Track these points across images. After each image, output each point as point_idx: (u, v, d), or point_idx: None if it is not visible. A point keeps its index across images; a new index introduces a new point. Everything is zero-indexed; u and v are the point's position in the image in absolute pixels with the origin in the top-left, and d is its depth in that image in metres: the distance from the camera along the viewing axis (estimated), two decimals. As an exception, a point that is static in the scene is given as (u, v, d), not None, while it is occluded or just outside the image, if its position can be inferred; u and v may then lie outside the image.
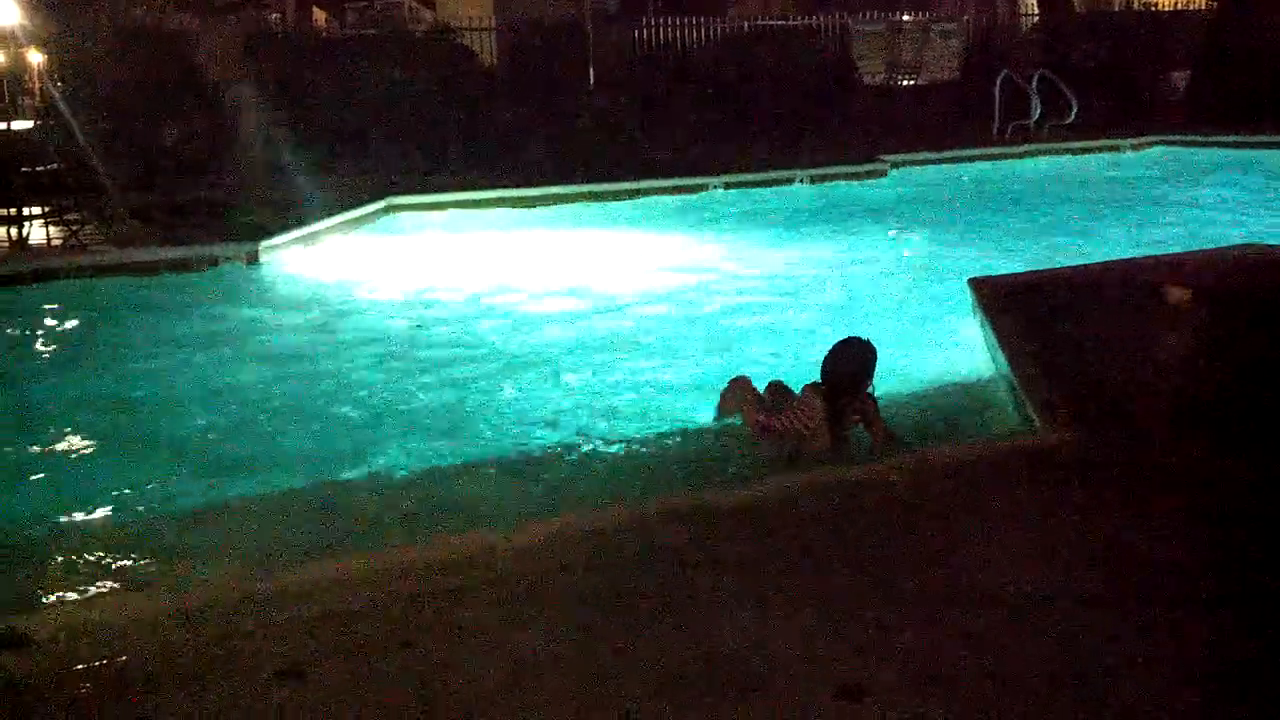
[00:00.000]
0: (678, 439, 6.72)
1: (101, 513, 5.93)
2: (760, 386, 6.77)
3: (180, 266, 11.78)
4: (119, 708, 3.50)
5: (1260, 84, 22.16)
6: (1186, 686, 3.51)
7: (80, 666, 3.70)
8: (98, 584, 4.91)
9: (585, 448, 6.70)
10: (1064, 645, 3.72)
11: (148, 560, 5.21)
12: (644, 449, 6.64)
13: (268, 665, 3.67)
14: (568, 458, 6.55)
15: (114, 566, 5.10)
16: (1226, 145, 20.08)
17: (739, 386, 6.71)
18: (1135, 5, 31.55)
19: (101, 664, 3.72)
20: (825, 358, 6.30)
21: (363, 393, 7.98)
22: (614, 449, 6.67)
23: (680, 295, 10.80)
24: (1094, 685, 3.50)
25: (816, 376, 6.30)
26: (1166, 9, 28.18)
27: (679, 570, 4.30)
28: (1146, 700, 3.43)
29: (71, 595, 4.74)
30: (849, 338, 6.40)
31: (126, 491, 6.19)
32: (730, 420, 6.77)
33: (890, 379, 7.41)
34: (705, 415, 6.97)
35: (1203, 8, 28.01)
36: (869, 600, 4.04)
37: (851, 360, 6.26)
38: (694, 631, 3.84)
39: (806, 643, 3.76)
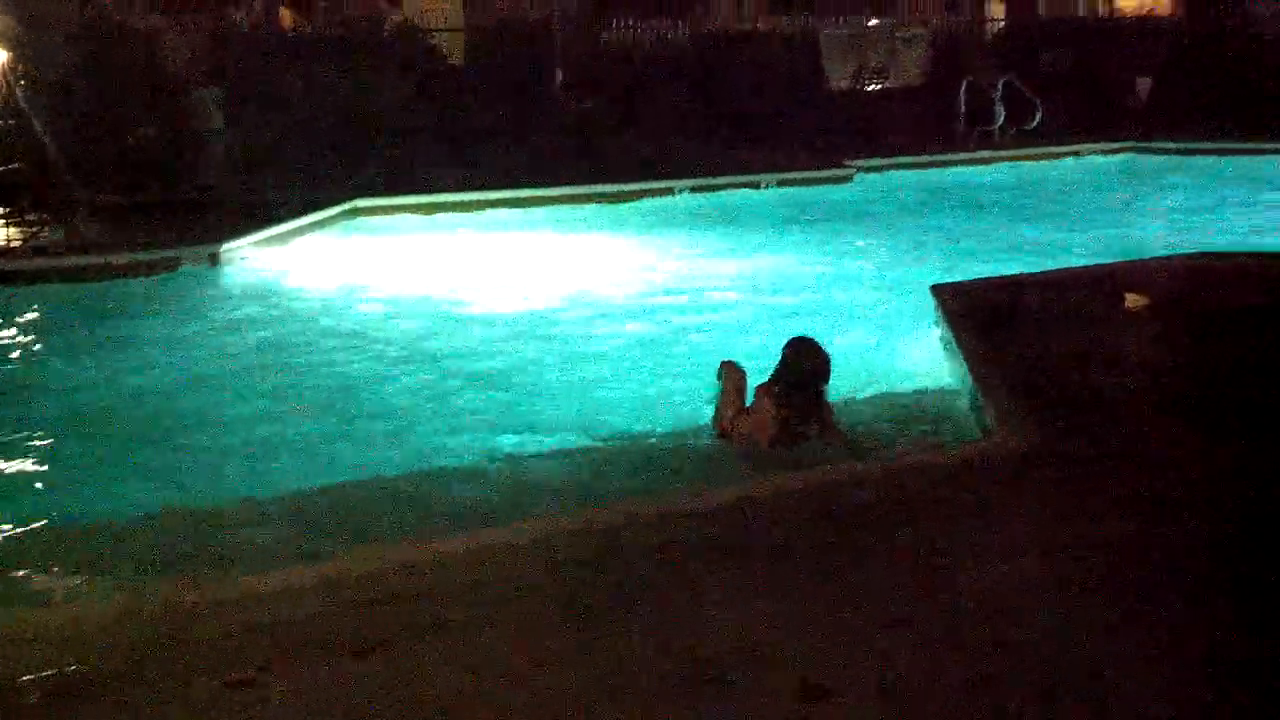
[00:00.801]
0: (640, 441, 6.72)
1: (50, 518, 5.86)
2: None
3: (142, 268, 11.70)
4: (67, 714, 3.46)
5: (1223, 91, 22.36)
6: (1157, 684, 3.53)
7: (29, 676, 3.65)
8: (50, 589, 4.87)
9: (545, 451, 6.69)
10: (1030, 648, 3.73)
11: (101, 566, 5.16)
12: (605, 451, 6.64)
13: (220, 672, 3.64)
14: (528, 461, 6.54)
15: (66, 572, 5.06)
16: (1190, 152, 20.24)
17: (728, 378, 6.61)
18: (1100, 12, 31.78)
19: (51, 671, 3.67)
20: (781, 361, 6.29)
21: (321, 396, 7.96)
22: (575, 451, 6.66)
23: (645, 298, 10.81)
24: (1065, 691, 3.51)
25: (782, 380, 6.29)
26: (1131, 16, 28.39)
27: (641, 573, 4.29)
28: (1121, 707, 3.44)
29: (22, 600, 4.69)
30: (804, 339, 6.39)
31: (78, 496, 6.13)
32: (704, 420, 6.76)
33: (854, 383, 7.45)
34: (665, 417, 6.96)
35: (1168, 14, 28.24)
36: (834, 601, 4.05)
37: (812, 363, 6.26)
38: (657, 632, 3.84)
39: (770, 644, 3.77)
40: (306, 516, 5.84)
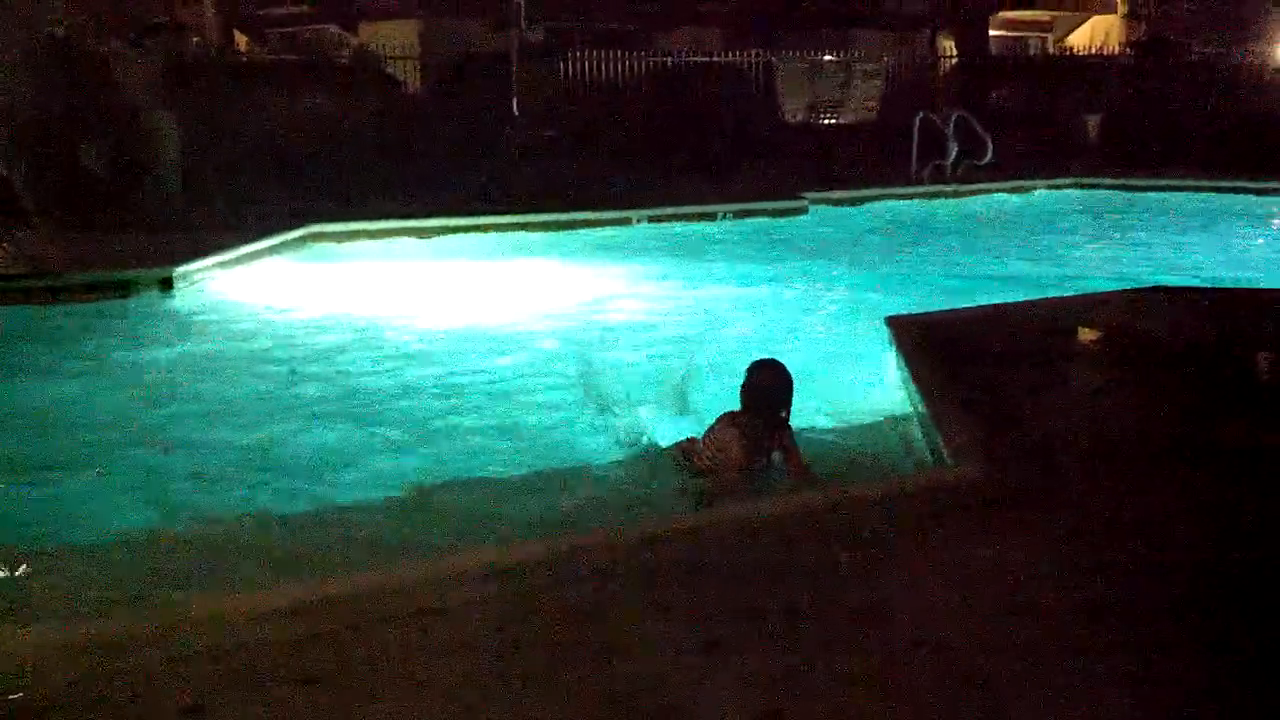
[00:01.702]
0: (593, 471, 6.71)
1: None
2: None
3: (93, 290, 11.58)
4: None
5: (1171, 128, 22.78)
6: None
7: (-25, 702, 3.61)
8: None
9: (498, 480, 6.67)
10: (975, 678, 3.76)
11: (49, 595, 5.10)
12: (558, 481, 6.63)
13: (171, 701, 3.61)
14: (481, 490, 6.52)
15: (15, 601, 4.99)
16: (1138, 188, 20.58)
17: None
18: (1051, 50, 32.29)
19: (-2, 699, 3.63)
20: (745, 383, 6.32)
21: (271, 424, 7.87)
22: (528, 482, 6.64)
23: (601, 326, 10.82)
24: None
25: (733, 409, 6.33)
26: (1082, 54, 28.86)
27: (594, 603, 4.29)
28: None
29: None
30: (766, 360, 6.45)
31: (24, 523, 6.05)
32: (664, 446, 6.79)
33: (807, 415, 7.48)
34: (619, 448, 6.97)
35: (1117, 54, 28.74)
36: (787, 629, 4.07)
37: (773, 383, 6.30)
38: (610, 662, 3.83)
39: (724, 671, 3.78)
40: (247, 545, 5.79)
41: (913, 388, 7.37)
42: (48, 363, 9.46)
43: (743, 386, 6.33)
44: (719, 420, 6.32)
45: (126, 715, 3.55)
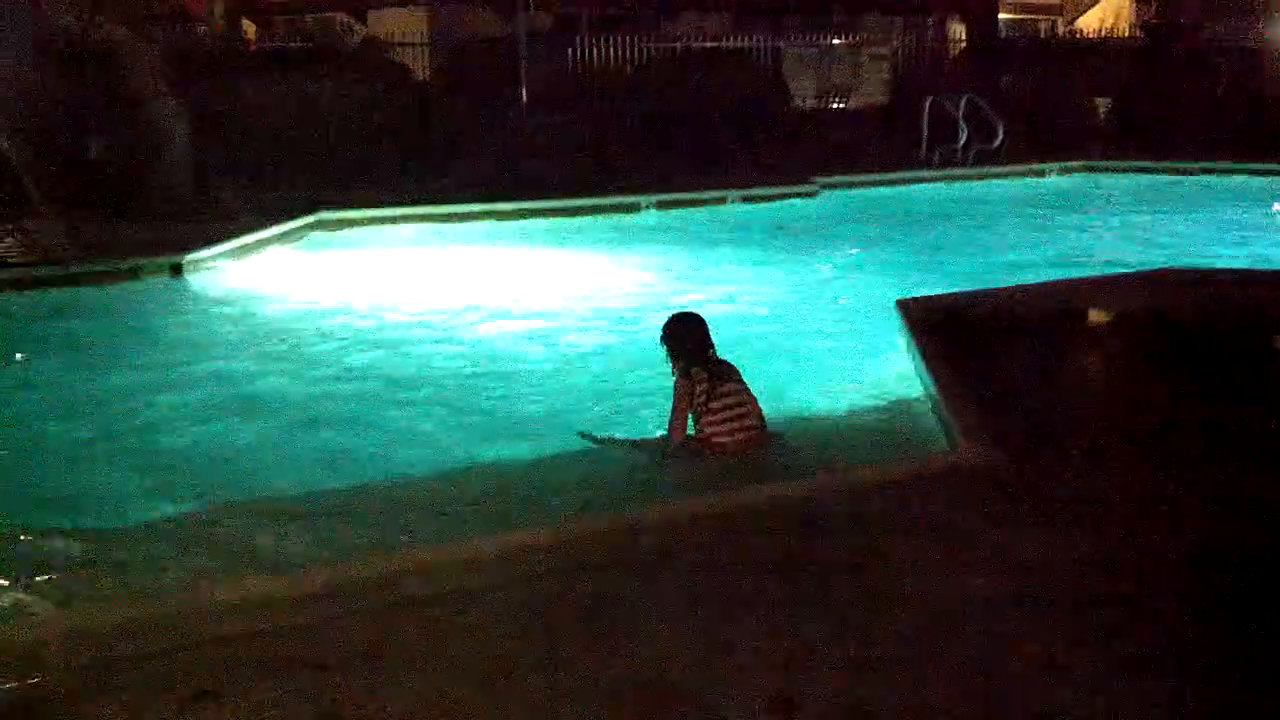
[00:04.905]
0: (601, 456, 6.70)
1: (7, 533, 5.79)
2: None
3: (102, 278, 11.59)
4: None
5: (1182, 111, 22.66)
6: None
7: (-12, 687, 3.61)
8: (10, 603, 4.80)
9: (509, 466, 6.67)
10: (988, 663, 3.75)
11: (59, 580, 5.10)
12: (568, 466, 6.62)
13: (184, 685, 3.60)
14: (491, 476, 6.51)
15: (26, 587, 4.99)
16: (1149, 171, 20.49)
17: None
18: (1061, 33, 32.17)
19: (12, 684, 3.62)
20: (671, 353, 6.54)
21: (281, 410, 7.88)
22: (536, 467, 6.64)
23: (609, 311, 10.79)
24: (1017, 707, 3.52)
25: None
26: (1091, 36, 28.72)
27: (604, 587, 4.28)
28: None
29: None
30: (674, 318, 6.73)
31: (35, 508, 6.05)
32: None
33: (818, 398, 7.48)
34: (630, 430, 6.96)
35: (1126, 36, 28.60)
36: (798, 614, 4.05)
37: (690, 327, 6.61)
38: (621, 647, 3.83)
39: (734, 657, 3.76)
40: (261, 530, 5.79)
41: (924, 371, 7.34)
42: (54, 350, 9.48)
43: (675, 351, 6.54)
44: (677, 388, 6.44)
45: (140, 700, 3.54)
